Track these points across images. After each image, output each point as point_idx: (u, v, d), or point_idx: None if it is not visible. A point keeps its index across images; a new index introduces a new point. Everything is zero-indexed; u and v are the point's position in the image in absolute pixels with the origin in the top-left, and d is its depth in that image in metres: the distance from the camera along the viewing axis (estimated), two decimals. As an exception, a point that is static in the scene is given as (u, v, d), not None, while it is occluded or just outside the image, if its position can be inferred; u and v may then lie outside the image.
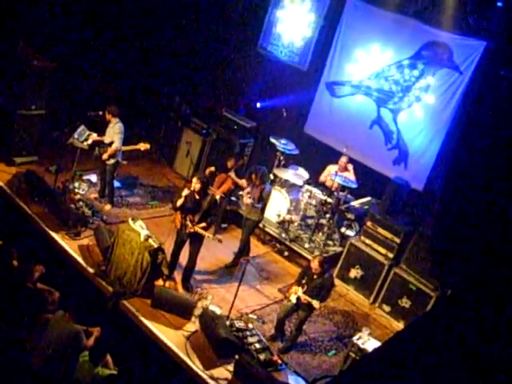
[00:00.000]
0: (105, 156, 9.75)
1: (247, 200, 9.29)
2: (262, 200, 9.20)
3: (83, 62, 11.67)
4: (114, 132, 9.70)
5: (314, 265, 7.64)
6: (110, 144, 9.73)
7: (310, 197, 10.58)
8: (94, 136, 9.86)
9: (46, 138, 10.53)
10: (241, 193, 10.73)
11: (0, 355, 6.25)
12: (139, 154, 10.62)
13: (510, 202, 7.19)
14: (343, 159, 10.47)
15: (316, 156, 11.49)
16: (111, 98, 11.07)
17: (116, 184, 10.39)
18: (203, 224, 8.19)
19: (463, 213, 8.86)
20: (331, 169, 10.63)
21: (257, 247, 10.33)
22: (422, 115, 10.65)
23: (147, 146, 9.91)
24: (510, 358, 2.80)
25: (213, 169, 10.48)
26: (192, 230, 8.15)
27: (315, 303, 7.54)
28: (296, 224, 10.74)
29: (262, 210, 9.35)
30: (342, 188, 10.32)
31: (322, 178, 10.81)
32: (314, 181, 10.95)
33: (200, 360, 7.30)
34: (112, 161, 9.80)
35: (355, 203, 10.69)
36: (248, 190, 9.58)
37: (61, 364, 6.36)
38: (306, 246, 10.31)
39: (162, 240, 8.37)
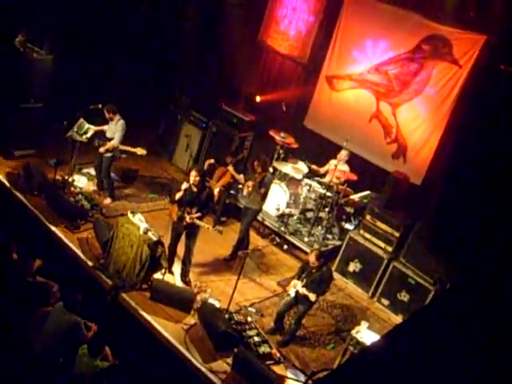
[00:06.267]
0: (102, 149, 9.76)
1: (249, 183, 9.25)
2: (264, 186, 9.16)
3: (81, 55, 11.61)
4: (117, 129, 9.71)
5: (311, 258, 7.66)
6: (110, 139, 9.75)
7: (309, 190, 10.58)
8: (94, 129, 9.87)
9: (45, 131, 10.51)
10: (240, 186, 10.73)
11: (1, 348, 6.27)
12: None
13: (509, 195, 7.20)
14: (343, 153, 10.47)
15: (316, 150, 11.48)
16: (110, 92, 11.04)
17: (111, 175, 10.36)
18: (198, 214, 8.19)
19: (462, 206, 8.87)
20: (332, 163, 10.64)
21: (256, 240, 10.34)
22: (420, 109, 10.64)
23: (144, 151, 9.92)
24: (508, 353, 2.81)
25: (212, 161, 10.47)
26: (190, 221, 8.15)
27: (311, 296, 7.56)
28: (295, 217, 10.75)
29: (263, 197, 9.31)
30: (342, 183, 10.33)
31: (321, 170, 10.82)
32: (313, 174, 10.94)
33: (199, 353, 7.31)
34: (109, 154, 9.81)
35: (354, 197, 10.69)
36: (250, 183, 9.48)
37: (60, 356, 6.38)
38: (306, 239, 10.32)
39: (161, 233, 8.38)
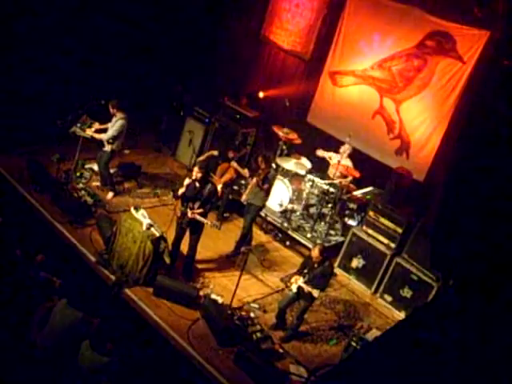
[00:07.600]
0: (89, 133, 9.82)
1: (253, 180, 9.23)
2: (267, 182, 9.17)
3: (83, 51, 11.62)
4: (115, 127, 9.69)
5: (315, 253, 7.65)
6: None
7: (312, 186, 10.57)
8: (97, 125, 9.88)
9: (48, 126, 10.52)
10: (243, 182, 10.73)
11: (4, 343, 6.29)
12: (141, 144, 10.60)
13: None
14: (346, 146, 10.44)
15: (319, 145, 11.46)
16: (113, 88, 11.03)
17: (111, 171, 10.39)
18: (200, 210, 8.20)
19: (465, 203, 8.84)
20: (335, 158, 10.63)
21: (259, 236, 10.34)
22: (424, 105, 10.61)
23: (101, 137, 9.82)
24: (509, 347, 2.81)
25: (215, 153, 10.47)
26: (191, 217, 8.16)
27: (315, 292, 7.56)
28: (298, 213, 10.74)
29: (267, 193, 9.31)
30: (344, 176, 10.32)
31: (324, 154, 10.84)
32: (316, 170, 10.93)
33: (201, 348, 7.33)
34: (107, 147, 9.81)
35: (358, 193, 10.68)
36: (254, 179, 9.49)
37: (63, 351, 6.40)
38: (308, 235, 10.31)
39: (164, 229, 8.39)
